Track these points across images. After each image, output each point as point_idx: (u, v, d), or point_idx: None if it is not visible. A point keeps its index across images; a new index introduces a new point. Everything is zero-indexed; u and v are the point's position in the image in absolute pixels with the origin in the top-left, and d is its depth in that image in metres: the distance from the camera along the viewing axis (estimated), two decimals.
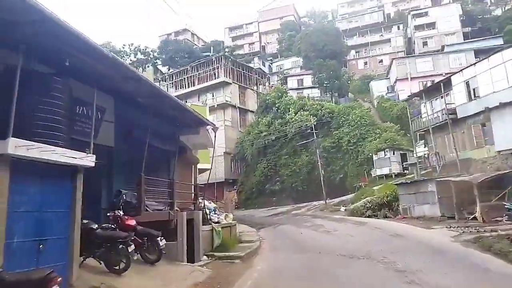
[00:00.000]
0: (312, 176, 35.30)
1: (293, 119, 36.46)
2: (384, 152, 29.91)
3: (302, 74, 50.97)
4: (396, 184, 21.66)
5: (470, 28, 56.56)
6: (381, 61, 61.96)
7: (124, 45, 65.74)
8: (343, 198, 28.39)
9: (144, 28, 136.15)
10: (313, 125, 31.30)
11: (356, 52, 64.47)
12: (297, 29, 76.40)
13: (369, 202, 23.63)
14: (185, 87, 47.64)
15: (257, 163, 38.48)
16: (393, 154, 29.72)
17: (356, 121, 34.01)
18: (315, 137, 29.29)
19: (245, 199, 38.89)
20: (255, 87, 48.28)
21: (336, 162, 34.48)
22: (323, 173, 29.84)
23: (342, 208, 24.72)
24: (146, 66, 67.96)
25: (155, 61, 69.76)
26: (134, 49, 66.11)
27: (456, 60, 40.49)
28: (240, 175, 41.73)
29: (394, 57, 53.87)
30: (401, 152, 30.05)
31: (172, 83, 49.55)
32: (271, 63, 72.61)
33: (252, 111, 45.11)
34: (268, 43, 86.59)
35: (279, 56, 74.90)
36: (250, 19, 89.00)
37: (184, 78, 47.92)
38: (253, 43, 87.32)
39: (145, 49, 66.66)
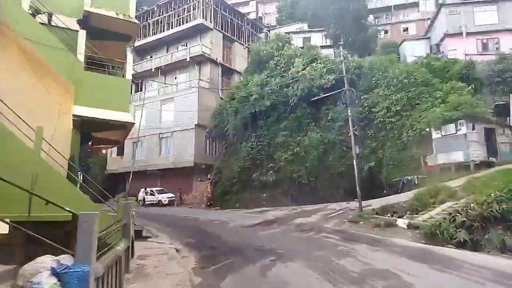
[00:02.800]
0: (324, 163, 22.95)
1: (300, 76, 23.90)
2: (456, 126, 17.59)
3: (310, 31, 38.42)
4: None
5: None
6: (406, 29, 49.74)
7: None
8: (389, 200, 16.04)
9: None
10: (344, 70, 18.60)
11: (375, 18, 52.01)
12: None
13: (460, 213, 11.44)
14: (149, 35, 34.68)
15: (242, 140, 25.95)
16: (472, 129, 17.41)
17: (399, 79, 21.60)
18: (346, 86, 16.49)
19: (221, 194, 26.34)
20: (246, 43, 35.53)
21: (364, 142, 22.11)
22: (357, 152, 17.29)
23: (401, 222, 12.33)
24: None
25: None
26: None
27: None
28: (218, 159, 29.16)
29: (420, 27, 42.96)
30: (486, 126, 17.76)
31: None
32: (269, 30, 59.73)
33: (239, 72, 32.49)
34: (266, 13, 74.36)
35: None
36: None
37: (148, 23, 34.88)
38: (249, 13, 74.97)
39: None
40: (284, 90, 25.18)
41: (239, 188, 25.25)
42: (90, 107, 9.90)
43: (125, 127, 11.03)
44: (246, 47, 34.83)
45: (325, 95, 20.56)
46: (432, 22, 33.66)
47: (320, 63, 24.27)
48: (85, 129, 10.58)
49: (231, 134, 26.73)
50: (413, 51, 33.54)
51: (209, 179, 28.28)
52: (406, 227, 12.03)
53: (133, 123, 10.63)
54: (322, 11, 42.63)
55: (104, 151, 15.75)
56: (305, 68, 24.16)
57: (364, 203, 16.85)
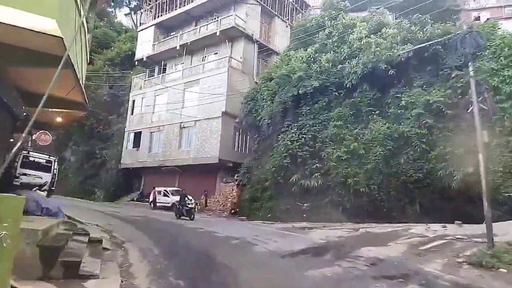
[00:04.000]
0: (393, 166, 16.52)
1: (363, 46, 17.71)
2: None
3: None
4: None
5: None
6: (477, 18, 41.94)
7: None
8: None
9: None
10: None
11: None
12: None
13: None
14: (174, 8, 29.94)
15: (280, 132, 20.11)
16: None
17: None
18: (464, 28, 9.96)
19: (249, 200, 20.72)
20: (288, 20, 29.75)
21: (452, 139, 15.48)
22: (487, 141, 10.70)
23: None
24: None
25: None
26: None
27: None
28: (248, 156, 23.53)
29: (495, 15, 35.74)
30: None
31: (156, 4, 31.92)
32: None
33: (279, 54, 26.74)
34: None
35: None
36: None
37: None
38: None
39: None
40: (337, 67, 19.13)
41: (272, 194, 19.42)
42: None
43: (56, 59, 5.51)
44: (289, 24, 29.04)
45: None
46: None
47: (391, 28, 17.91)
48: None
49: (266, 123, 20.99)
50: None
51: (236, 180, 22.71)
52: None
53: (60, 38, 5.03)
54: None
55: (60, 119, 10.45)
56: (371, 35, 17.93)
57: (469, 228, 10.48)
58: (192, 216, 17.40)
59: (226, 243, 11.15)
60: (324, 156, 17.99)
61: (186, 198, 18.17)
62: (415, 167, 16.08)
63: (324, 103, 19.23)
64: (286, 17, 29.47)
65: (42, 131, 13.10)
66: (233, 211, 21.37)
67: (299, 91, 19.24)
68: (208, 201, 24.29)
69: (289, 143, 18.90)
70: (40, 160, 12.34)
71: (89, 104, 32.30)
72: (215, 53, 26.60)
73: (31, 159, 12.09)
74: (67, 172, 37.59)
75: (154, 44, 29.89)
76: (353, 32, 18.82)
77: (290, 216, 17.76)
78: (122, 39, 40.49)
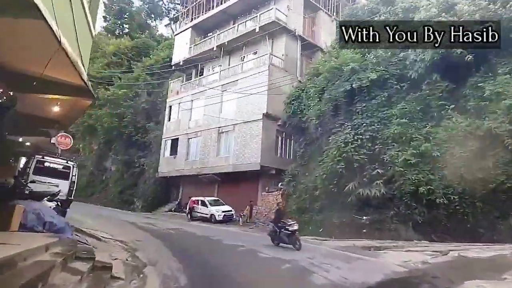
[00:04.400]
0: (477, 172, 13.19)
1: (432, 26, 14.75)
2: None
3: None
4: None
5: None
6: None
7: None
8: None
9: None
10: None
11: None
12: None
13: None
14: (211, 9, 28.52)
15: (330, 133, 17.45)
16: None
17: None
18: None
19: (297, 211, 18.16)
20: (333, 14, 27.12)
21: None
22: None
23: None
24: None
25: None
26: None
27: None
28: (293, 162, 21.05)
29: None
30: None
31: (193, 7, 30.74)
32: None
33: (324, 51, 24.18)
34: None
35: None
36: None
37: None
38: None
39: None
40: (399, 55, 16.31)
41: (324, 205, 16.74)
42: None
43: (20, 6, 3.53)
44: (334, 19, 26.44)
45: None
46: None
47: (467, 5, 14.80)
48: None
49: (313, 125, 18.51)
50: None
51: (280, 189, 20.29)
52: None
53: None
54: None
55: (57, 108, 8.65)
56: (442, 14, 14.95)
57: None
58: (298, 243, 11.05)
59: (274, 269, 8.72)
60: (386, 160, 15.07)
61: (285, 218, 12.26)
62: (507, 172, 12.71)
63: (383, 99, 16.38)
64: (331, 10, 26.92)
65: (62, 133, 11.62)
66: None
67: (353, 86, 16.56)
68: (253, 212, 21.99)
69: (343, 145, 16.14)
70: (57, 166, 10.77)
71: (128, 111, 31.23)
72: (254, 52, 24.61)
73: (46, 164, 10.55)
74: (107, 181, 37.28)
75: (191, 47, 28.63)
76: (418, 12, 15.90)
77: (346, 231, 15.00)
78: (160, 47, 40.06)
